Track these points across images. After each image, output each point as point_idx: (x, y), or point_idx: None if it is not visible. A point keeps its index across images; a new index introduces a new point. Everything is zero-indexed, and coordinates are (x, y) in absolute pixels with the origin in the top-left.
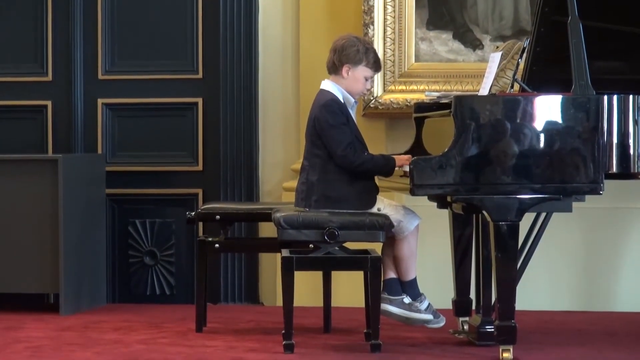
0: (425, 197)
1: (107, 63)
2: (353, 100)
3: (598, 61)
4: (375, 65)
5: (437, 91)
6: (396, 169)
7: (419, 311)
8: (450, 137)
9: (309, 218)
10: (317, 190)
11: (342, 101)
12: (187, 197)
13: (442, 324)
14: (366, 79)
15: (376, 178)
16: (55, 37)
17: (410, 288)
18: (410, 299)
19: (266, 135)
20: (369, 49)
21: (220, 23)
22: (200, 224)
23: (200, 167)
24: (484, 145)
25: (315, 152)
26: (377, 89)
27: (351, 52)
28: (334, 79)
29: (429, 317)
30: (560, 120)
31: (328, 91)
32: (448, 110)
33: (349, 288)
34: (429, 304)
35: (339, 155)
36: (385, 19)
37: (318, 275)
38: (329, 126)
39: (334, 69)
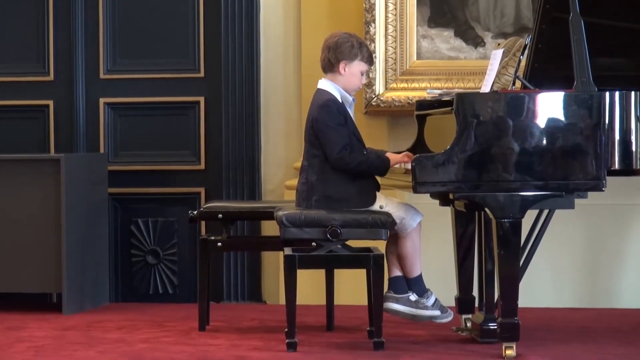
0: (428, 195)
1: (108, 62)
2: (351, 98)
3: (600, 58)
4: (370, 59)
5: (439, 89)
6: (396, 166)
7: (425, 308)
8: (452, 134)
9: (311, 216)
10: (318, 190)
11: (340, 100)
12: (190, 195)
13: (449, 319)
14: (362, 74)
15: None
16: (57, 37)
17: (416, 285)
18: (417, 296)
19: (268, 134)
20: (362, 44)
21: (222, 22)
22: (203, 223)
23: (202, 166)
24: (486, 142)
25: (313, 152)
26: (379, 87)
27: (346, 48)
28: (330, 77)
29: (436, 312)
30: (562, 117)
31: (326, 91)
32: (450, 108)
33: (351, 286)
34: (436, 299)
35: (335, 157)
36: (386, 17)
37: (321, 273)
38: (326, 127)
39: (329, 67)
